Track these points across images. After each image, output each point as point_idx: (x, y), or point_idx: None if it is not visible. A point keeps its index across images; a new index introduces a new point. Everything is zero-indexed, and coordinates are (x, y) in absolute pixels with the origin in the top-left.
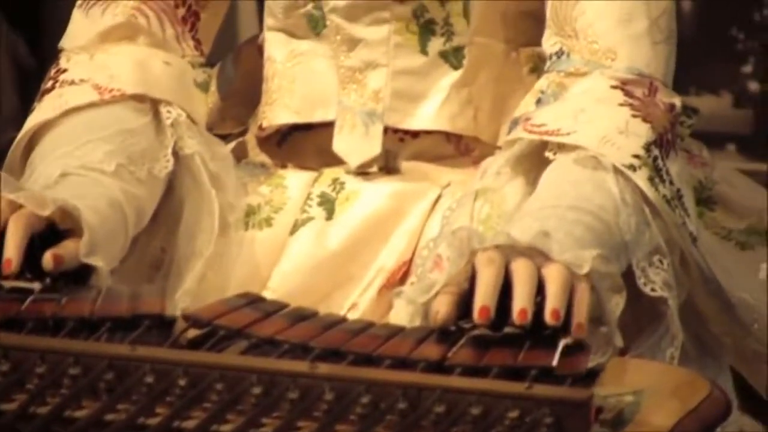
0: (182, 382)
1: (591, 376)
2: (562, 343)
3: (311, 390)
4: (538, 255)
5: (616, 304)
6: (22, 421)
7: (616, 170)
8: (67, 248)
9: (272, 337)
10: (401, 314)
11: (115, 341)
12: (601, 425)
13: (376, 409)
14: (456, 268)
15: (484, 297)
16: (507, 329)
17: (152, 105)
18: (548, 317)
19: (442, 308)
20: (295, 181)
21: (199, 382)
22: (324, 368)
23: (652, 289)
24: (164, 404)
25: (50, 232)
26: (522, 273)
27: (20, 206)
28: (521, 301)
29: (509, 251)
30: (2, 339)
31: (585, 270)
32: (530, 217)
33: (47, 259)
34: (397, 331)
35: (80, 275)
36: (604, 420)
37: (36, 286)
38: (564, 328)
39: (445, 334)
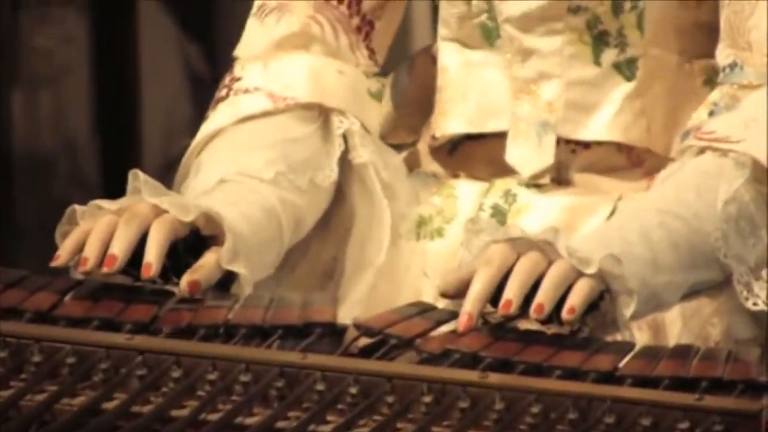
0: (353, 391)
1: (762, 388)
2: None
3: (481, 399)
4: (553, 251)
5: (626, 305)
6: (193, 428)
7: (748, 181)
8: (203, 270)
9: (443, 346)
10: (430, 294)
11: (287, 349)
12: None
13: (546, 420)
14: (468, 255)
15: (475, 288)
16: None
17: (323, 114)
18: (532, 311)
19: (444, 282)
20: (466, 191)
21: (370, 391)
22: (494, 378)
23: (754, 303)
24: (335, 412)
25: (195, 237)
26: (522, 266)
27: (164, 211)
28: (508, 292)
29: (524, 245)
30: (174, 347)
31: (591, 270)
32: (622, 215)
33: (183, 285)
34: (568, 341)
35: (224, 281)
36: None
37: (176, 289)
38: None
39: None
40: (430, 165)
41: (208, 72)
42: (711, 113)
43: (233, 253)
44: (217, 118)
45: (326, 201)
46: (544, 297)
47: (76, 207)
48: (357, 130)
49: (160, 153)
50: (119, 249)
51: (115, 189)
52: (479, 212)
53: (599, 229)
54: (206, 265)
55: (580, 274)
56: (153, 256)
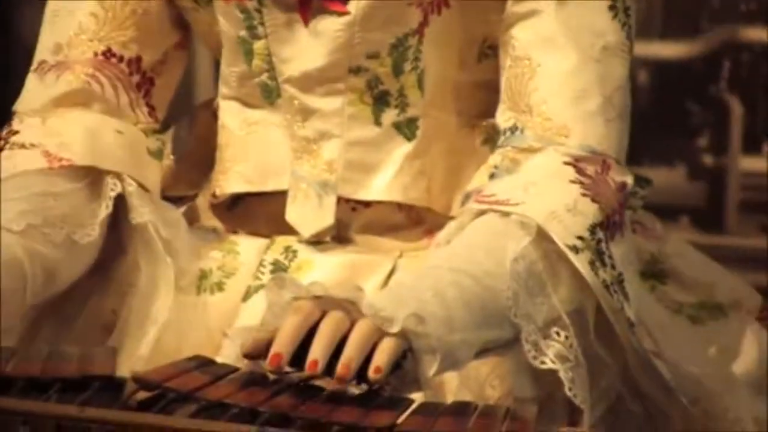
0: None
1: None
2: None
3: None
4: (356, 310)
5: (429, 364)
6: None
7: (534, 241)
8: None
9: (221, 400)
10: (230, 353)
11: (65, 402)
12: None
13: None
14: (270, 315)
15: (277, 344)
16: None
17: (92, 173)
18: (337, 370)
19: (245, 343)
20: (247, 247)
21: None
22: None
23: (542, 362)
24: None
25: None
26: (326, 325)
27: None
28: (313, 352)
29: (328, 303)
30: None
31: (395, 328)
32: (412, 273)
33: None
34: (346, 397)
35: None
36: None
37: None
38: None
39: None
40: (210, 220)
41: None
42: (492, 176)
43: None
44: None
45: (88, 257)
46: (349, 357)
47: None
48: (134, 191)
49: None
50: None
51: None
52: (260, 268)
53: (393, 287)
54: None
55: (383, 333)
56: None
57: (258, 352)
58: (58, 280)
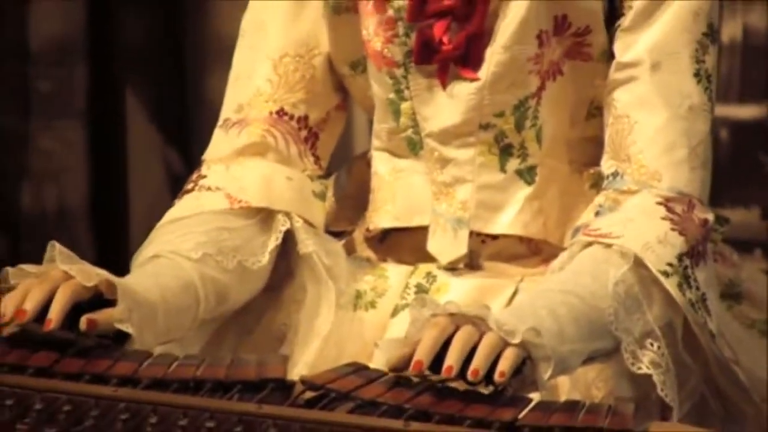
0: None
1: None
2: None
3: None
4: (484, 324)
5: (545, 369)
6: None
7: (631, 268)
8: (103, 314)
9: (374, 399)
10: (380, 361)
11: (245, 400)
12: None
13: None
14: (413, 329)
15: (419, 353)
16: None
17: (265, 213)
18: (469, 374)
19: (392, 359)
20: (394, 272)
21: None
22: (415, 426)
23: (639, 368)
24: None
25: (100, 300)
26: (459, 337)
27: (72, 277)
28: (449, 359)
29: (460, 319)
30: (152, 397)
31: (516, 340)
32: (531, 294)
33: (82, 321)
34: (476, 396)
35: (119, 338)
36: None
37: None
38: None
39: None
40: (364, 251)
41: (184, 171)
42: (597, 213)
43: (125, 315)
44: (181, 208)
45: (258, 281)
46: (478, 363)
47: (8, 269)
48: (301, 226)
49: (144, 238)
50: (29, 305)
51: (108, 269)
52: (406, 290)
53: (514, 306)
54: (106, 313)
55: (507, 344)
56: (54, 314)
57: (402, 367)
58: (229, 300)
